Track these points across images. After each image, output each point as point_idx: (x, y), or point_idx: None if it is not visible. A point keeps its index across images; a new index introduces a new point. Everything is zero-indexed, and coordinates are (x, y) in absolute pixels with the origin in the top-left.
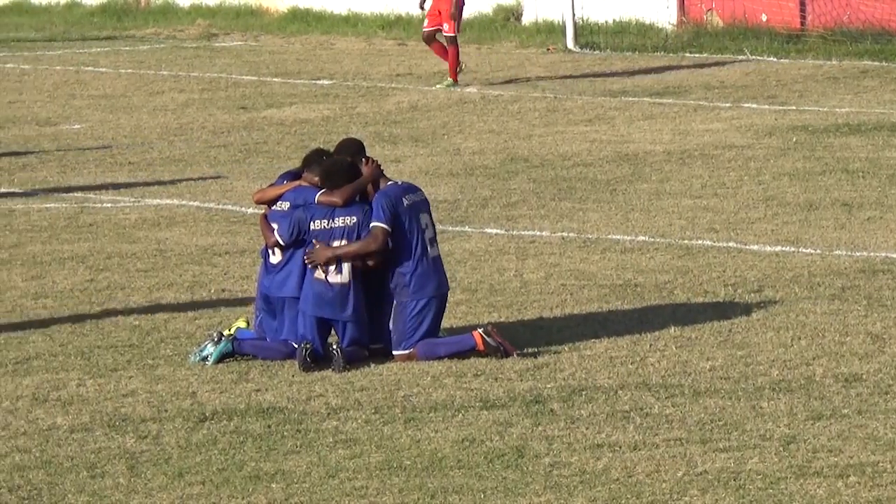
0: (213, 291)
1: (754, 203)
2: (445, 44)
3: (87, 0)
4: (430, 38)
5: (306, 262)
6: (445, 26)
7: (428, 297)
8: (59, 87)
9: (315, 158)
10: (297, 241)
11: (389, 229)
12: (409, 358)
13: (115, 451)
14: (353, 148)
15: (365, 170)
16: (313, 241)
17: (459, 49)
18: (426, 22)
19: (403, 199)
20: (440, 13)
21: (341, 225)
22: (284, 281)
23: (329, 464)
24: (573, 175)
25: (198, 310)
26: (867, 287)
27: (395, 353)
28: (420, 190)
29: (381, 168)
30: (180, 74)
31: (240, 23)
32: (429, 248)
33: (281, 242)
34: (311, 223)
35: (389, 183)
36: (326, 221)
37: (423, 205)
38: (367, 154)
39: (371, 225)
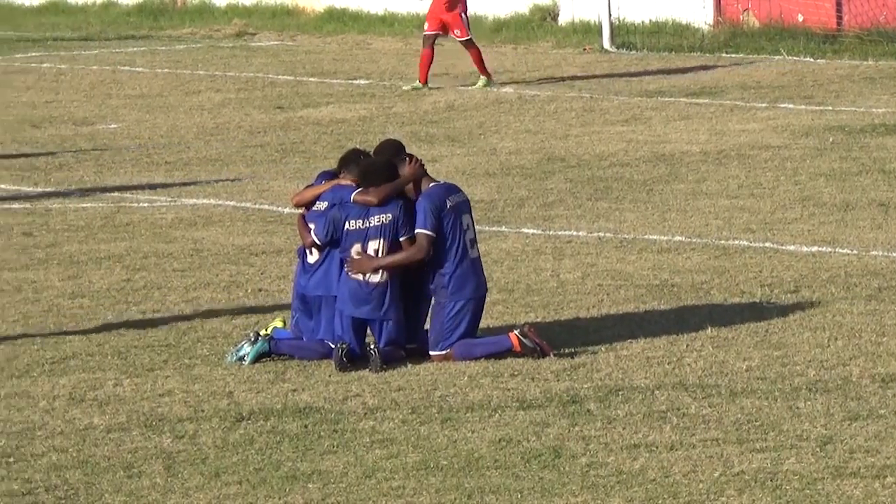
0: (249, 291)
1: (791, 203)
2: (464, 48)
3: (123, 0)
4: (428, 41)
5: (348, 272)
6: (457, 31)
7: (466, 299)
8: (95, 87)
9: (352, 158)
10: (333, 240)
11: (434, 236)
12: (445, 358)
13: (152, 450)
14: (393, 149)
15: (407, 169)
16: (350, 244)
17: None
18: (427, 25)
19: (447, 201)
20: (440, 19)
21: (377, 224)
22: (321, 280)
23: (366, 464)
24: (610, 175)
25: (234, 310)
26: None
27: (431, 353)
28: (461, 190)
29: (424, 167)
30: (216, 74)
31: (276, 22)
32: (469, 250)
33: (317, 242)
34: (346, 223)
35: (432, 184)
36: (361, 221)
37: (465, 205)
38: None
39: (416, 232)
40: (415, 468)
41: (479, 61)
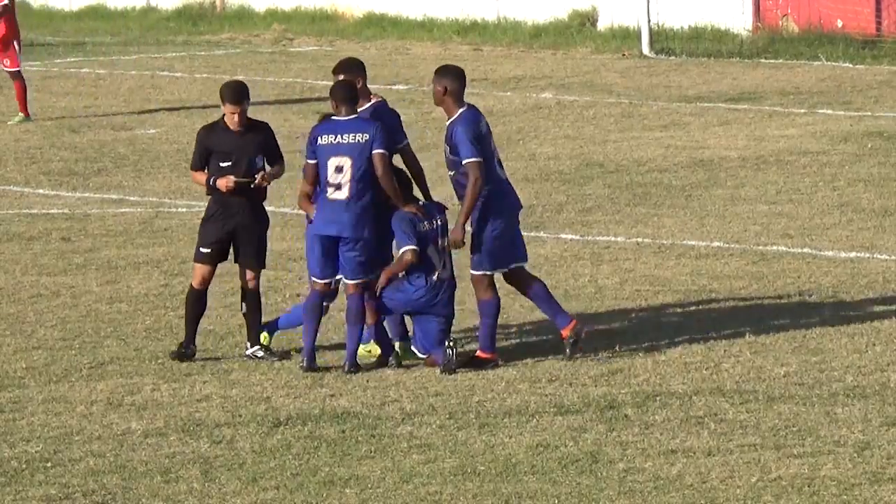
0: (287, 296)
1: (829, 209)
2: (11, 79)
3: (162, 5)
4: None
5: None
6: (6, 61)
7: (505, 217)
8: (134, 92)
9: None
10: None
11: (482, 160)
12: (480, 280)
13: (190, 455)
14: (350, 66)
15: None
16: (325, 160)
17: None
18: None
19: (481, 127)
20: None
21: (347, 142)
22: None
23: (403, 469)
24: (648, 181)
25: (272, 314)
26: None
27: (473, 272)
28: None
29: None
30: (256, 79)
31: (315, 27)
32: (499, 171)
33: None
34: (320, 139)
35: (462, 110)
36: (333, 137)
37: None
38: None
39: (468, 161)
40: (452, 473)
41: (23, 98)
